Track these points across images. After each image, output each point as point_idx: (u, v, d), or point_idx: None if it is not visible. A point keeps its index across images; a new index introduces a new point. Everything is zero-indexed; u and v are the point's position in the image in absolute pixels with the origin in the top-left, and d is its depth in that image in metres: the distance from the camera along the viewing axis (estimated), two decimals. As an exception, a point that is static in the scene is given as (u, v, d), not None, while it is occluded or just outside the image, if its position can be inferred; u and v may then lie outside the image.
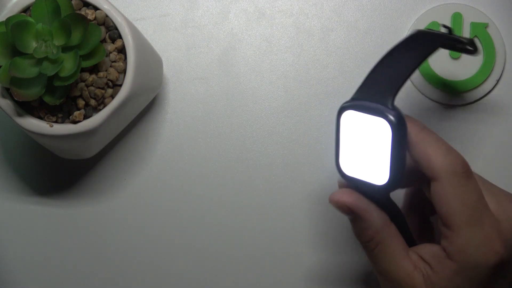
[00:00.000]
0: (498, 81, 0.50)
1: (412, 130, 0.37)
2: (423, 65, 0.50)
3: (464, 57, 0.50)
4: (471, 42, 0.45)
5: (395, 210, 0.41)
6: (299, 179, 0.50)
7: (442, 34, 0.43)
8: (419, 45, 0.41)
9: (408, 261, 0.38)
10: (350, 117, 0.39)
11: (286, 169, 0.50)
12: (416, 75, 0.50)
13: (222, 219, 0.50)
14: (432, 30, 0.45)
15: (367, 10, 0.51)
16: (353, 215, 0.39)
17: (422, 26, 0.51)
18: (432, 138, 0.37)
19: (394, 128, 0.37)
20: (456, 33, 0.50)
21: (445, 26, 0.45)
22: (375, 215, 0.39)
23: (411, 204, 0.45)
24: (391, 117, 0.37)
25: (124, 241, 0.50)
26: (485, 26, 0.50)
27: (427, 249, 0.39)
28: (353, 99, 0.39)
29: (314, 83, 0.51)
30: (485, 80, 0.50)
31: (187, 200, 0.50)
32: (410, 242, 0.41)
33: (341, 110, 0.39)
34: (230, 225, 0.50)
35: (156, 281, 0.49)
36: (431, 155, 0.36)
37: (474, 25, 0.50)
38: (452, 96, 0.50)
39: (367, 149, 0.38)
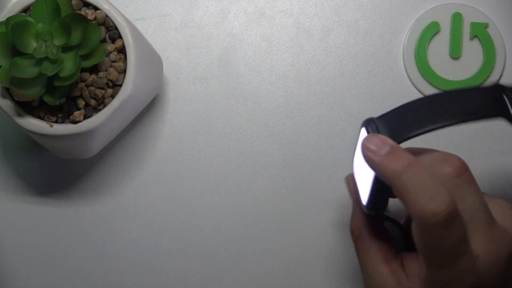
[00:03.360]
0: (498, 81, 0.50)
1: (394, 171, 0.36)
2: (423, 65, 0.50)
3: (464, 57, 0.51)
4: None
5: (388, 217, 0.42)
6: (299, 179, 0.50)
7: (499, 111, 0.38)
8: (478, 104, 0.37)
9: (387, 267, 0.39)
10: (362, 133, 0.40)
11: (286, 169, 0.50)
12: (416, 75, 0.50)
13: (222, 219, 0.50)
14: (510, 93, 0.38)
15: (367, 10, 0.51)
16: (352, 200, 0.42)
17: (422, 26, 0.51)
18: (412, 182, 0.35)
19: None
20: (456, 33, 0.50)
21: None
22: (361, 210, 0.41)
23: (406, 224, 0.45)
24: None
25: (124, 241, 0.50)
26: (485, 26, 0.50)
27: (411, 259, 0.39)
28: (374, 119, 0.39)
29: (314, 83, 0.51)
30: (485, 80, 0.50)
31: (187, 200, 0.50)
32: (404, 249, 0.42)
33: (362, 124, 0.40)
34: (230, 225, 0.50)
35: (156, 281, 0.49)
36: (411, 201, 0.35)
37: (474, 25, 0.50)
38: (452, 96, 0.50)
39: (363, 167, 0.39)
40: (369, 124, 0.39)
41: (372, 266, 0.40)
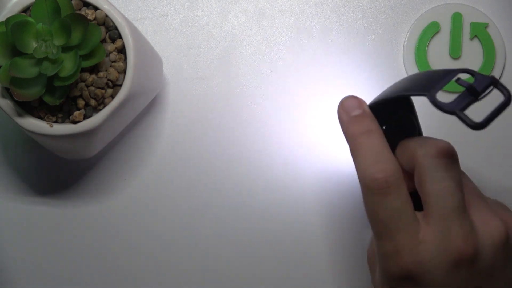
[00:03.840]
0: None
1: (353, 133, 0.38)
2: (423, 65, 0.50)
3: (464, 57, 0.51)
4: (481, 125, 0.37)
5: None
6: (299, 179, 0.50)
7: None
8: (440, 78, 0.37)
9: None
10: None
11: (286, 169, 0.50)
12: (416, 75, 0.50)
13: (222, 219, 0.50)
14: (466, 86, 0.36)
15: (367, 10, 0.51)
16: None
17: (422, 26, 0.51)
18: (364, 146, 0.37)
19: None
20: (456, 33, 0.50)
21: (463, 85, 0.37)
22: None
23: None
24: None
25: (124, 241, 0.50)
26: (485, 26, 0.50)
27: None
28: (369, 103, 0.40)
29: (314, 83, 0.51)
30: (485, 80, 0.50)
31: (187, 200, 0.50)
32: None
33: None
34: (230, 225, 0.50)
35: (156, 281, 0.49)
36: (356, 164, 0.38)
37: (474, 25, 0.50)
38: (452, 96, 0.50)
39: None
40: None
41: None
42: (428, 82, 0.37)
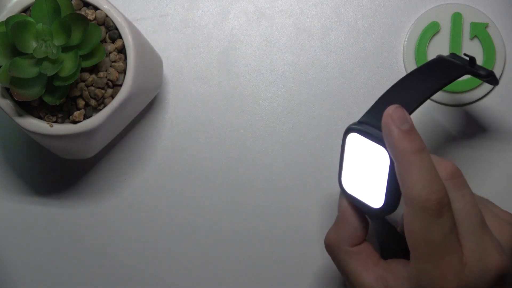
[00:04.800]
0: (498, 80, 0.50)
1: (404, 148, 0.36)
2: (423, 65, 0.50)
3: (464, 57, 0.51)
4: (490, 75, 0.44)
5: (387, 227, 0.41)
6: (299, 179, 0.50)
7: (463, 66, 0.43)
8: (436, 73, 0.40)
9: (369, 276, 0.39)
10: (354, 139, 0.39)
11: (286, 169, 0.50)
12: (416, 75, 0.50)
13: (221, 219, 0.50)
14: (454, 58, 0.43)
15: (367, 10, 0.51)
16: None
17: (422, 26, 0.51)
18: (420, 165, 0.36)
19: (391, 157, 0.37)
20: (456, 33, 0.50)
21: (467, 55, 0.44)
22: (341, 227, 0.40)
23: None
24: None
25: (124, 241, 0.50)
26: (485, 26, 0.50)
27: (396, 265, 0.39)
28: (360, 122, 0.39)
29: (314, 83, 0.51)
30: (485, 80, 0.50)
31: (187, 200, 0.50)
32: (401, 255, 0.41)
33: (347, 131, 0.39)
34: (230, 225, 0.50)
35: (155, 281, 0.49)
36: (409, 182, 0.36)
37: (474, 25, 0.50)
38: (452, 96, 0.50)
39: (366, 172, 0.39)
40: (361, 125, 0.39)
41: (354, 279, 0.39)
42: (444, 67, 0.41)
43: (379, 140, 0.38)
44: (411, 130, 0.36)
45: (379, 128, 0.37)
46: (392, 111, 0.37)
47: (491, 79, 0.45)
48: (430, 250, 0.36)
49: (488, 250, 0.36)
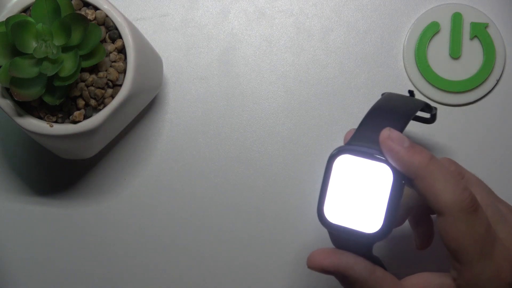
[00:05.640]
0: (498, 81, 0.50)
1: (420, 162, 0.36)
2: (423, 65, 0.50)
3: (464, 57, 0.50)
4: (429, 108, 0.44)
5: (375, 261, 0.38)
6: (299, 179, 0.50)
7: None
8: (404, 99, 0.41)
9: None
10: (346, 162, 0.37)
11: (286, 169, 0.50)
12: (416, 75, 0.50)
13: (221, 219, 0.50)
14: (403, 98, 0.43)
15: (367, 10, 0.51)
16: (336, 275, 0.38)
17: (422, 26, 0.51)
18: (440, 172, 0.36)
19: (396, 173, 0.36)
20: (456, 33, 0.50)
21: (409, 92, 0.44)
22: (357, 269, 0.37)
23: (415, 218, 0.45)
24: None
25: (124, 241, 0.50)
26: (485, 26, 0.50)
27: (431, 279, 0.38)
28: (349, 144, 0.38)
29: (314, 83, 0.51)
30: (485, 80, 0.50)
31: (187, 200, 0.50)
32: None
33: (335, 155, 0.38)
34: (230, 225, 0.50)
35: (155, 281, 0.49)
36: (438, 190, 0.35)
37: (474, 25, 0.50)
38: (452, 96, 0.50)
39: (360, 196, 0.37)
40: (352, 146, 0.37)
41: None
42: (409, 104, 0.41)
43: (378, 157, 0.37)
44: (414, 145, 0.36)
45: (374, 146, 0.37)
46: (389, 134, 0.37)
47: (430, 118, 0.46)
48: (481, 246, 0.36)
49: None
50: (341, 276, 0.38)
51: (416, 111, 0.40)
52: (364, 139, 0.38)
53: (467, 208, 0.35)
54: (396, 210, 0.37)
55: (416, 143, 0.37)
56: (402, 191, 0.37)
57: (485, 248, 0.36)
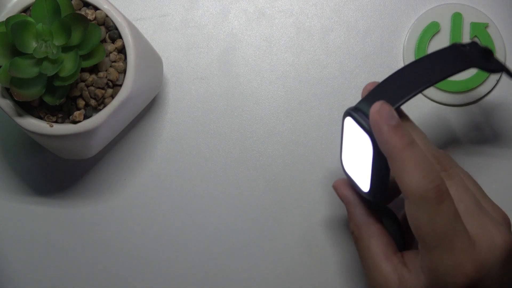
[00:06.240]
0: (498, 81, 0.50)
1: (396, 144, 0.37)
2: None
3: (464, 57, 0.51)
4: (501, 70, 0.43)
5: (387, 213, 0.42)
6: (299, 179, 0.50)
7: (471, 62, 0.41)
8: (441, 65, 0.40)
9: (388, 263, 0.40)
10: (349, 123, 0.40)
11: (286, 169, 0.50)
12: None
13: (221, 219, 0.50)
14: (470, 47, 0.42)
15: (367, 10, 0.51)
16: (345, 204, 0.43)
17: (422, 26, 0.51)
18: (413, 158, 0.36)
19: (375, 148, 0.38)
20: (456, 33, 0.50)
21: (483, 47, 0.43)
22: (357, 212, 0.42)
23: None
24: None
25: (124, 241, 0.50)
26: (485, 26, 0.50)
27: (412, 255, 0.40)
28: (355, 108, 0.40)
29: (314, 83, 0.51)
30: (485, 80, 0.50)
31: (187, 200, 0.50)
32: (402, 247, 0.42)
33: (345, 115, 0.41)
34: (230, 224, 0.50)
35: (156, 280, 0.49)
36: (406, 176, 0.36)
37: (474, 25, 0.50)
38: (452, 96, 0.50)
39: (358, 156, 0.41)
40: (355, 111, 0.39)
41: (373, 264, 0.40)
42: (450, 59, 0.40)
43: (366, 129, 0.38)
44: (399, 125, 0.37)
45: (368, 117, 0.38)
46: (379, 108, 0.37)
47: (505, 72, 0.44)
48: (440, 238, 0.36)
49: (489, 227, 0.37)
50: (346, 207, 0.43)
51: (433, 84, 0.39)
52: (369, 104, 0.39)
53: (430, 198, 0.36)
54: (381, 180, 0.39)
55: (402, 124, 0.37)
56: (384, 164, 0.38)
57: (444, 240, 0.36)
